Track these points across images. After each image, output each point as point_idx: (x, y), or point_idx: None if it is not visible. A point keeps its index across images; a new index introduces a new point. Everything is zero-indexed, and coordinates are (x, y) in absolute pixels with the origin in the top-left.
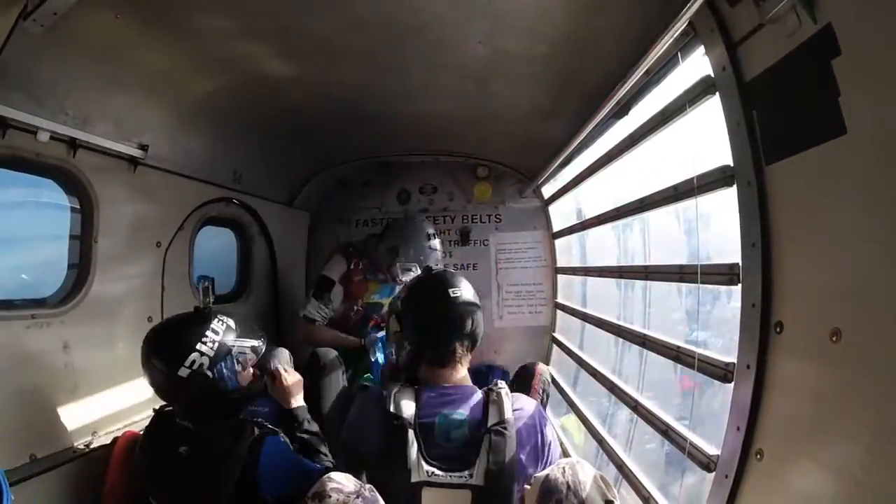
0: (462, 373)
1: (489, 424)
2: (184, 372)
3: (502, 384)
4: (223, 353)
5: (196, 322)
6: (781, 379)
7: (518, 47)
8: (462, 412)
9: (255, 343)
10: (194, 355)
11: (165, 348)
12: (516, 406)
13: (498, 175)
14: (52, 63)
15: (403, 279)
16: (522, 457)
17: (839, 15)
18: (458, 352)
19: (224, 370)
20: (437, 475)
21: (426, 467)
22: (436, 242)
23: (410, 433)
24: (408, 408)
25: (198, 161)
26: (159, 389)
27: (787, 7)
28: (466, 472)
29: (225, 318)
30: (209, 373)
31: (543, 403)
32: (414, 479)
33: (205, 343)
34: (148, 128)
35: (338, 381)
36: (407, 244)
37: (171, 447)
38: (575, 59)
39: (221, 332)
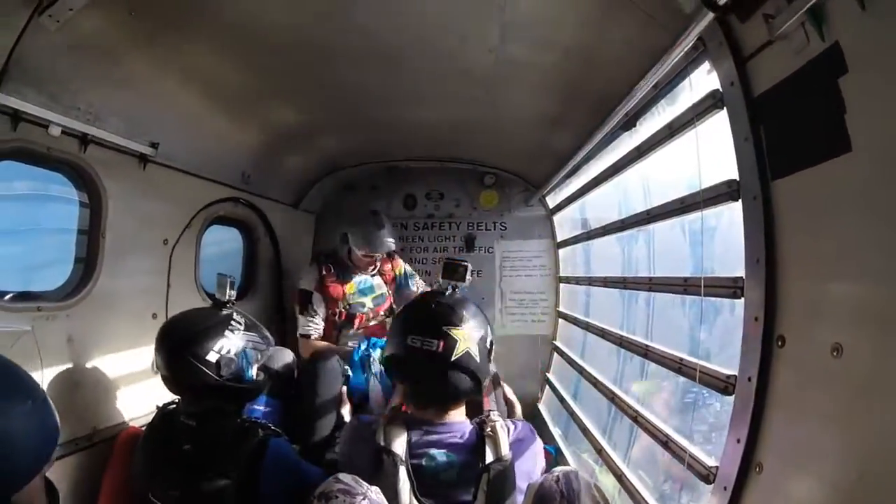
0: (450, 413)
1: (487, 462)
2: (213, 357)
3: (496, 415)
4: (245, 342)
5: (219, 312)
6: (782, 392)
7: (528, 56)
8: (451, 454)
9: (266, 339)
10: (223, 341)
11: (196, 333)
12: (513, 437)
13: (504, 183)
14: (66, 59)
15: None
16: (520, 487)
17: (847, 33)
18: (430, 400)
19: (245, 359)
20: None
21: None
22: (384, 226)
23: (402, 470)
24: (399, 443)
25: (207, 160)
26: (181, 376)
27: (796, 24)
28: None
29: (242, 313)
30: (235, 359)
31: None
32: None
33: (232, 331)
34: (159, 126)
35: (335, 384)
36: (354, 230)
37: (175, 445)
38: (584, 69)
39: (243, 324)
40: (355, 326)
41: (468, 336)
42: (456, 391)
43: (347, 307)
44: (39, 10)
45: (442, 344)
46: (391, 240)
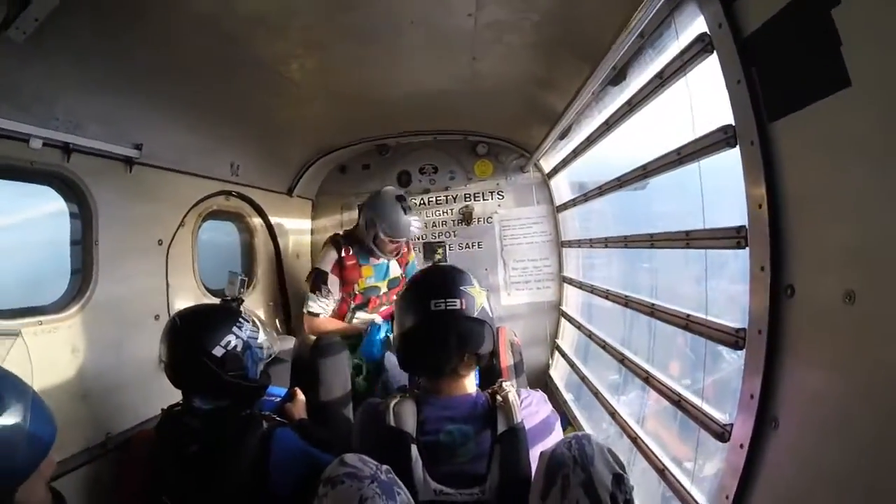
0: (464, 383)
1: (499, 433)
2: (218, 351)
3: (508, 384)
4: (252, 341)
5: (229, 309)
6: (795, 344)
7: (509, 17)
8: (467, 426)
9: (273, 341)
10: (230, 336)
11: (203, 327)
12: (525, 405)
13: (498, 151)
14: (38, 69)
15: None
16: (533, 455)
17: None
18: (449, 366)
19: (251, 358)
20: (447, 493)
21: (433, 485)
22: (410, 211)
23: (413, 448)
24: (409, 421)
25: (194, 156)
26: (186, 370)
27: None
28: (477, 489)
29: (252, 313)
30: (241, 356)
31: (517, 365)
32: (422, 497)
33: (239, 328)
34: (141, 126)
35: (342, 367)
36: (382, 215)
37: (182, 446)
38: (566, 25)
39: (250, 322)
40: (370, 309)
41: (481, 292)
42: (478, 343)
43: (363, 290)
44: (5, 25)
45: (463, 302)
46: (417, 225)
